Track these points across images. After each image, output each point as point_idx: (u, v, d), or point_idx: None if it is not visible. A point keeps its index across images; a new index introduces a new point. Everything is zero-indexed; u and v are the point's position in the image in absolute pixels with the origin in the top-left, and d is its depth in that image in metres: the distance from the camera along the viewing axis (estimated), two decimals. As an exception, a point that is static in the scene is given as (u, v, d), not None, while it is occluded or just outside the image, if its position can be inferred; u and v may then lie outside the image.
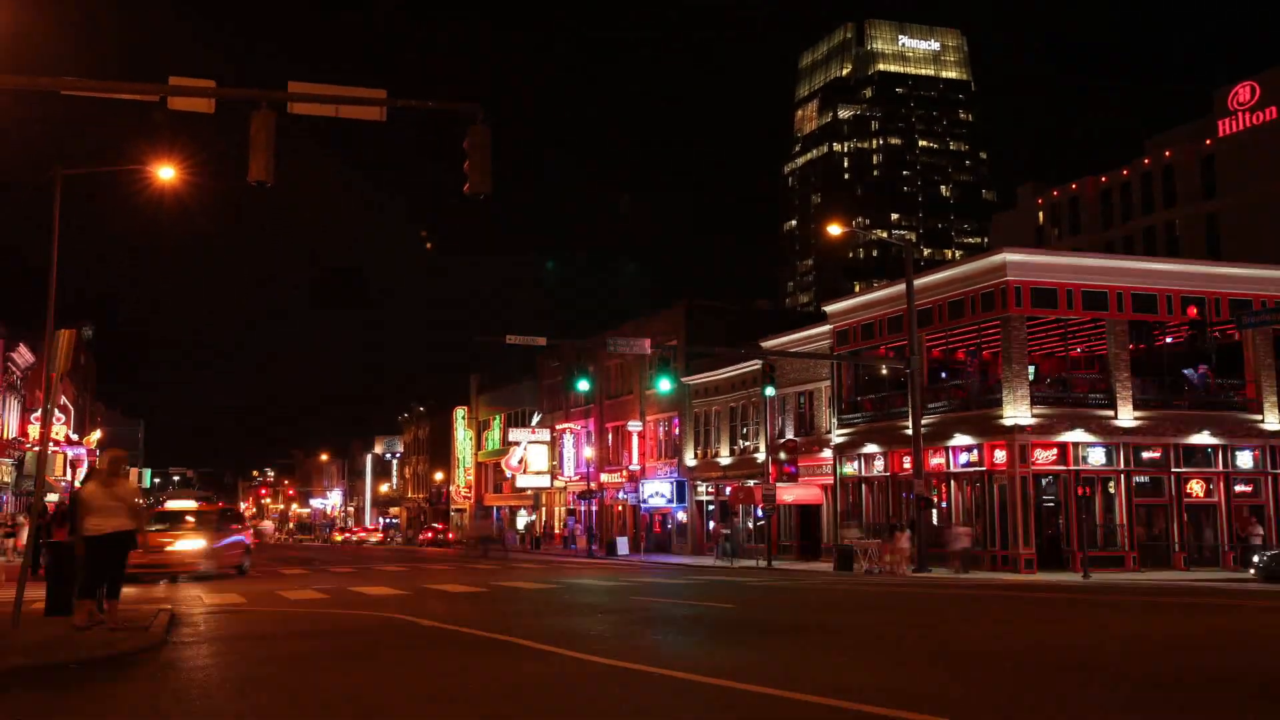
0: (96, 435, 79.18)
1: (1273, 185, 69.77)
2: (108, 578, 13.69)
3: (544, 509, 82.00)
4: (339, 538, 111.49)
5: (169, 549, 28.00)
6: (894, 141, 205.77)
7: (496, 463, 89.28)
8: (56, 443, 59.92)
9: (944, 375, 43.84)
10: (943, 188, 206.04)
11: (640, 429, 65.66)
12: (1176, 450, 38.60)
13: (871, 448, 44.60)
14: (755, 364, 49.91)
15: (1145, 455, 38.45)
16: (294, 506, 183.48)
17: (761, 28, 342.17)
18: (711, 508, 58.51)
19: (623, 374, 68.50)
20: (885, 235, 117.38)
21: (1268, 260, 45.04)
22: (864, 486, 45.53)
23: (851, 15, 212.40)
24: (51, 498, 54.88)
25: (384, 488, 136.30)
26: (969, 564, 34.23)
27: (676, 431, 62.39)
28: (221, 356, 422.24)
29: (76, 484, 57.57)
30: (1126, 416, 37.96)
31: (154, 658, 11.60)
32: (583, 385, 43.29)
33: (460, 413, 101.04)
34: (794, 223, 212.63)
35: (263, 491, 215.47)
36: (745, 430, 55.64)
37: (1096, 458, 37.95)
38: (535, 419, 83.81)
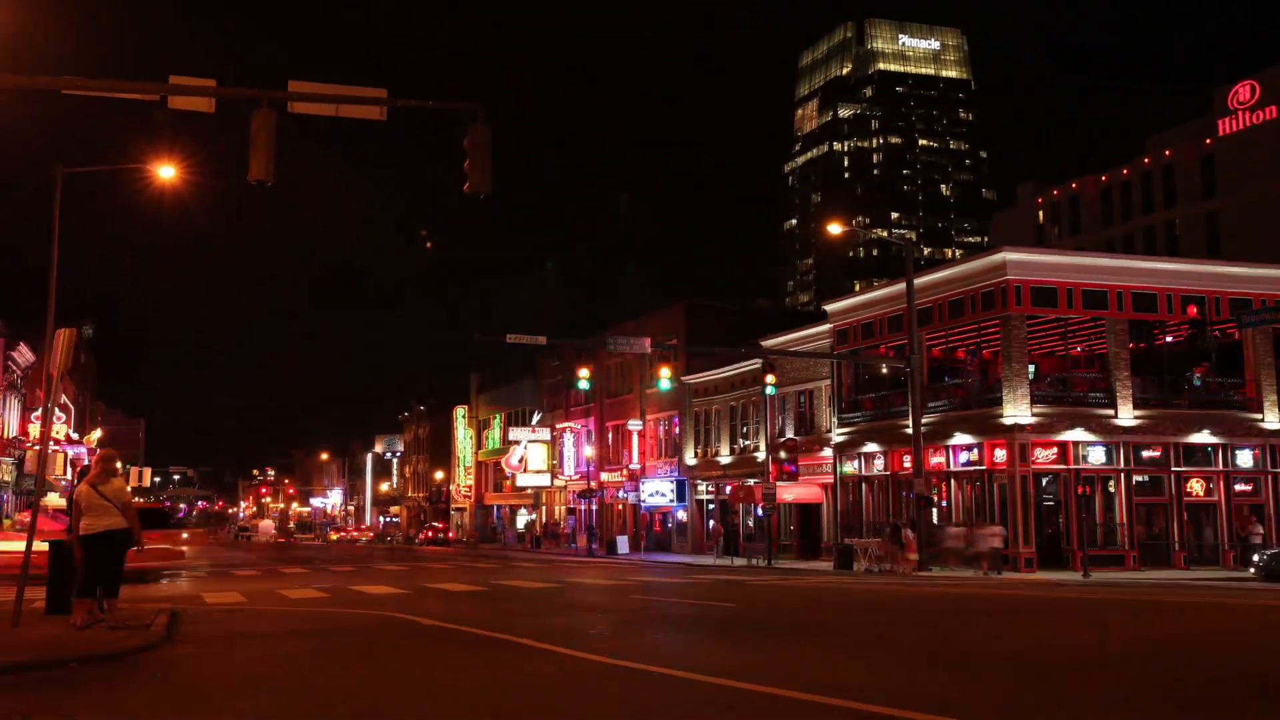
0: (97, 434, 79.15)
1: (1273, 184, 69.75)
2: (104, 577, 13.70)
3: (544, 508, 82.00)
4: (335, 536, 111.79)
5: None
6: (894, 140, 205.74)
7: (497, 462, 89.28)
8: (57, 442, 59.93)
9: (944, 374, 43.83)
10: (943, 187, 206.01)
11: (640, 428, 65.67)
12: (1176, 449, 38.60)
13: (872, 447, 44.60)
14: (755, 363, 49.92)
15: (1145, 454, 38.45)
16: (294, 505, 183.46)
17: (761, 27, 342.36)
18: (712, 507, 58.52)
19: (623, 373, 68.51)
20: (885, 234, 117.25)
21: (1268, 259, 45.03)
22: (864, 485, 45.53)
23: (852, 14, 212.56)
24: (52, 496, 54.88)
25: (384, 487, 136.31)
26: (998, 564, 33.49)
27: (677, 430, 62.40)
28: (222, 356, 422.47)
29: (76, 483, 57.54)
30: (1126, 415, 37.96)
31: (154, 657, 11.61)
32: (583, 384, 43.11)
33: (460, 412, 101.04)
34: (794, 222, 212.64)
35: (263, 490, 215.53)
36: (745, 429, 55.64)
37: (1096, 457, 37.95)
38: (535, 418, 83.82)
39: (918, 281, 38.96)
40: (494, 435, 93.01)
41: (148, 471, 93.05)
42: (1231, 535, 38.39)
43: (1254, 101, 73.37)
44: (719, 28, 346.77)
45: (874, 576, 31.47)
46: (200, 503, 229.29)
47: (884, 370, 44.55)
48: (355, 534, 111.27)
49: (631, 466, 66.10)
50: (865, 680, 8.80)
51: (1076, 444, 37.60)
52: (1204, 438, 38.71)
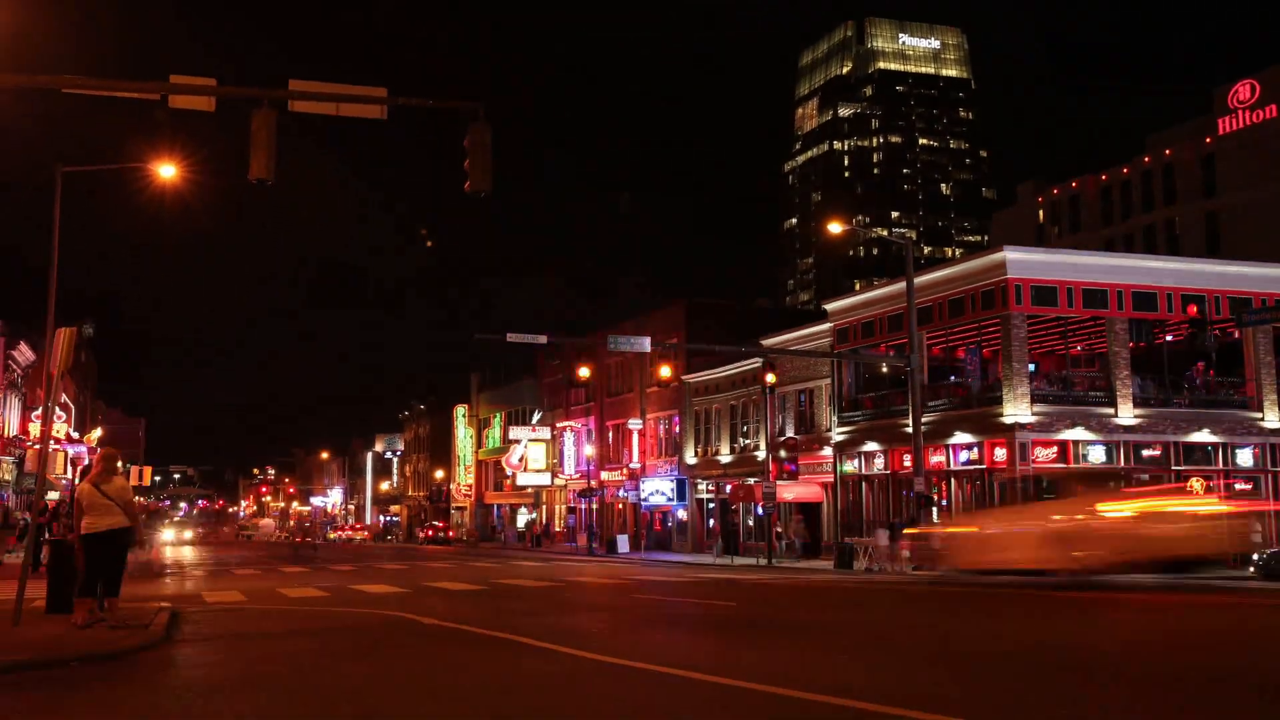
0: (97, 433, 79.17)
1: (1273, 183, 69.75)
2: (106, 576, 13.71)
3: (544, 507, 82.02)
4: (332, 535, 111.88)
5: None
6: (894, 140, 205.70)
7: (497, 461, 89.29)
8: (57, 441, 59.93)
9: (944, 373, 43.84)
10: (943, 186, 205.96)
11: (640, 427, 65.68)
12: (1176, 448, 38.61)
13: (872, 446, 44.61)
14: (755, 362, 49.94)
15: (1145, 453, 38.46)
16: (294, 504, 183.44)
17: (761, 27, 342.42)
18: (712, 506, 58.53)
19: (623, 372, 68.52)
20: (885, 233, 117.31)
21: (1268, 258, 45.02)
22: (864, 484, 45.55)
23: (852, 13, 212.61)
24: (53, 495, 54.90)
25: (385, 485, 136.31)
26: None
27: (677, 429, 62.41)
28: (222, 355, 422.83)
29: (77, 482, 57.58)
30: (1127, 414, 37.97)
31: (155, 656, 11.62)
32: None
33: (461, 411, 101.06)
34: (794, 221, 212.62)
35: (263, 489, 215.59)
36: (745, 428, 55.66)
37: (1097, 456, 37.95)
38: (536, 417, 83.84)
39: (918, 280, 38.98)
40: (494, 434, 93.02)
41: (148, 470, 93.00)
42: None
43: (1254, 100, 73.36)
44: (719, 28, 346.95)
45: (874, 575, 31.46)
46: (201, 501, 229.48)
47: (884, 369, 44.56)
48: (350, 532, 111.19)
49: (632, 465, 66.11)
50: (867, 678, 8.81)
51: (1077, 443, 37.60)
52: (1204, 436, 38.73)
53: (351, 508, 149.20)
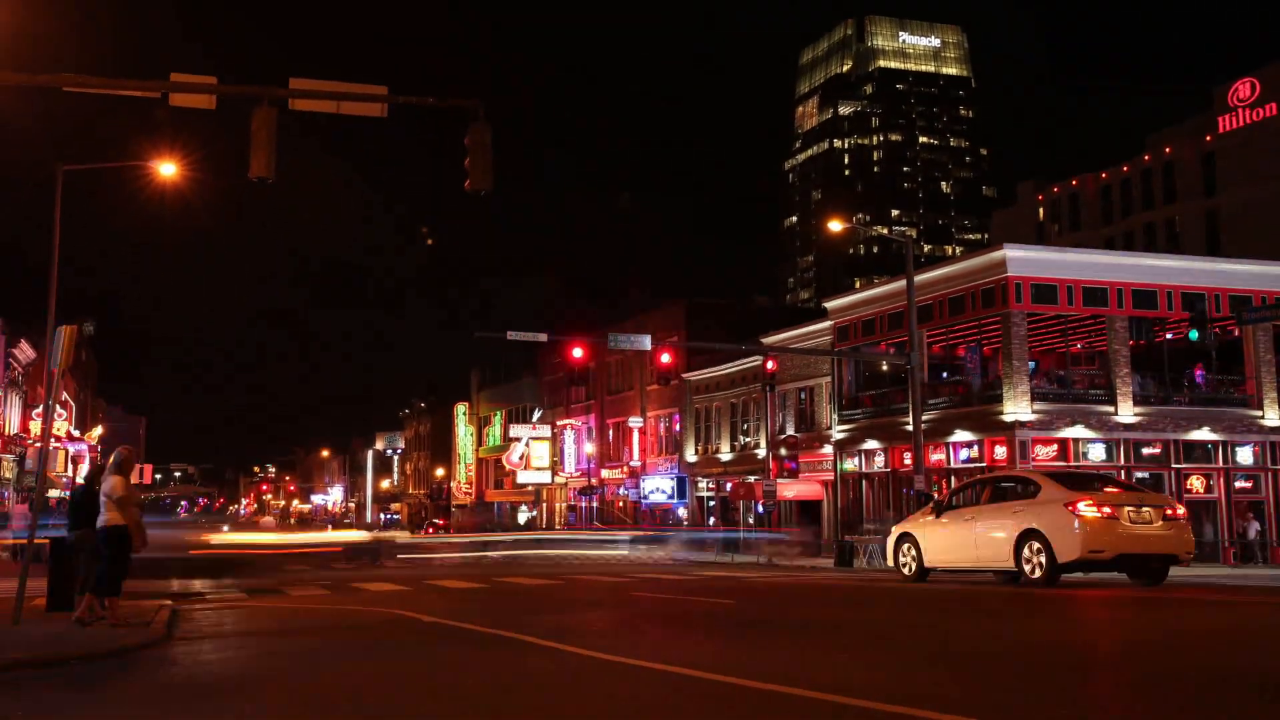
0: (98, 431, 79.25)
1: (1273, 182, 69.73)
2: (107, 573, 13.73)
3: (545, 505, 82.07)
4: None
5: None
6: (894, 138, 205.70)
7: (498, 459, 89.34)
8: (58, 439, 59.98)
9: (945, 372, 43.89)
10: (943, 184, 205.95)
11: (641, 425, 65.73)
12: (1177, 446, 38.64)
13: (872, 444, 44.63)
14: (756, 360, 49.98)
15: (1145, 451, 38.50)
16: (295, 502, 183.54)
17: (761, 27, 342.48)
18: (712, 504, 58.56)
19: (623, 370, 68.55)
20: (886, 231, 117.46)
21: (1268, 256, 45.05)
22: (864, 482, 45.58)
23: (852, 12, 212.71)
24: (53, 494, 54.94)
25: (385, 484, 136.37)
26: None
27: (677, 427, 62.44)
28: (223, 353, 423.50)
29: (79, 480, 57.59)
30: (1127, 412, 37.99)
31: (156, 653, 11.63)
32: (577, 351, 42.75)
33: (461, 409, 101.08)
34: (794, 219, 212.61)
35: (264, 487, 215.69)
36: (746, 426, 55.68)
37: (1097, 454, 37.98)
38: (536, 415, 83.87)
39: (918, 278, 39.01)
40: (495, 432, 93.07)
41: (149, 469, 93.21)
42: (1232, 532, 38.43)
43: (1254, 99, 73.36)
44: (719, 28, 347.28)
45: (875, 573, 31.45)
46: (201, 499, 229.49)
47: (884, 367, 44.59)
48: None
49: (632, 463, 66.17)
50: (868, 677, 8.82)
51: (1077, 441, 37.63)
52: (1204, 435, 38.75)
53: (352, 505, 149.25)
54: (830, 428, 47.60)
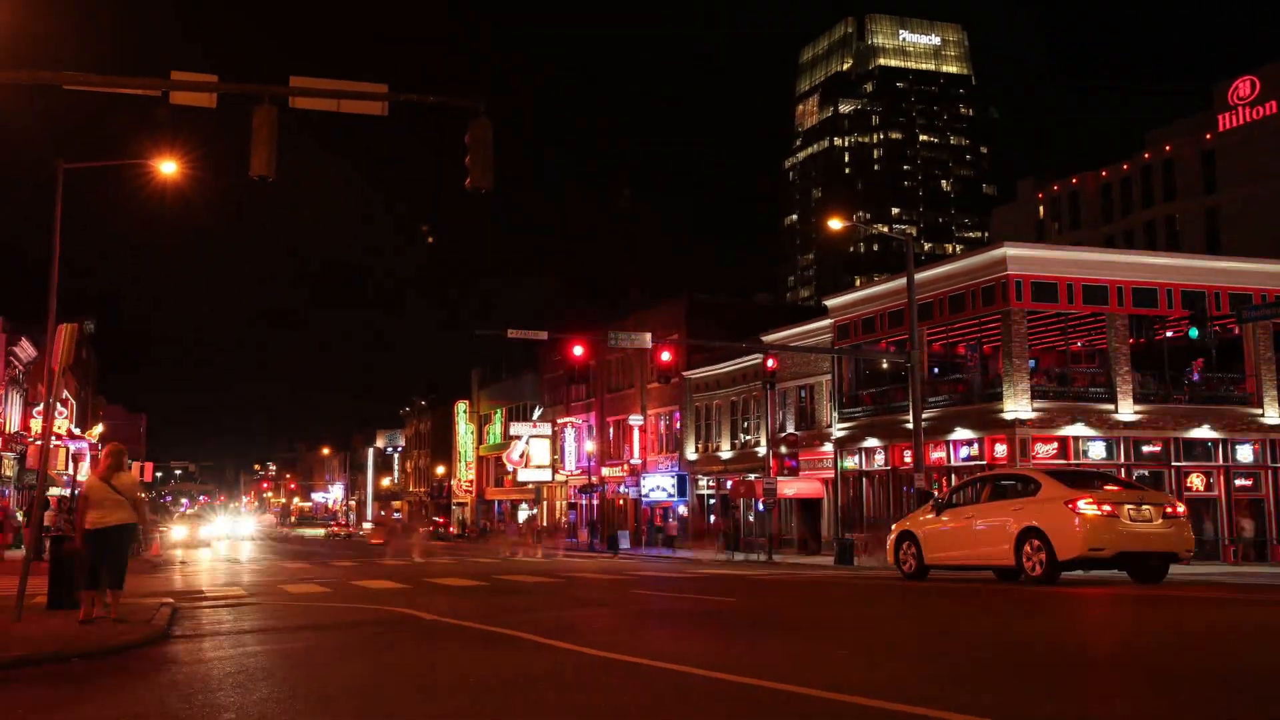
0: (99, 429, 79.24)
1: (1273, 180, 69.74)
2: (110, 571, 13.74)
3: (545, 503, 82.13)
4: (323, 532, 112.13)
5: None
6: (895, 136, 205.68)
7: (498, 457, 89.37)
8: (59, 437, 59.97)
9: (945, 369, 43.90)
10: (943, 182, 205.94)
11: (641, 423, 65.74)
12: (1176, 444, 38.66)
13: (872, 441, 44.65)
14: (756, 358, 49.99)
15: (1145, 449, 38.52)
16: (295, 500, 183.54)
17: (762, 27, 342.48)
18: (713, 501, 58.59)
19: (623, 368, 68.57)
20: (886, 229, 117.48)
21: (1268, 254, 45.07)
22: (865, 480, 45.60)
23: (852, 10, 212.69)
24: (54, 491, 54.97)
25: (386, 481, 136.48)
26: None
27: (677, 425, 62.47)
28: (223, 352, 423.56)
29: (79, 478, 57.66)
30: (1127, 410, 38.01)
31: (156, 651, 11.65)
32: (578, 349, 42.66)
33: (462, 407, 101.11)
34: (794, 217, 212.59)
35: (264, 485, 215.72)
36: (746, 424, 55.70)
37: (1097, 452, 38.00)
38: (536, 413, 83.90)
39: (918, 276, 39.05)
40: (495, 430, 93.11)
41: (149, 466, 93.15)
42: (1232, 530, 38.46)
43: (1254, 97, 73.37)
44: (719, 28, 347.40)
45: (875, 571, 31.48)
46: (202, 497, 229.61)
47: (884, 365, 44.62)
48: (337, 528, 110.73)
49: (632, 461, 66.19)
50: (868, 675, 8.84)
51: (1077, 439, 37.66)
52: (1204, 433, 38.78)
53: (353, 503, 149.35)
54: (830, 426, 47.62)
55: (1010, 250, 38.78)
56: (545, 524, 78.57)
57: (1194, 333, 37.38)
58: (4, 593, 16.42)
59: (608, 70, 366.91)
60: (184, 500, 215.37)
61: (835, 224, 66.52)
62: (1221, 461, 39.17)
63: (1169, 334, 40.46)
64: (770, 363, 43.99)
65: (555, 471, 78.03)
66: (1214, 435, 39.02)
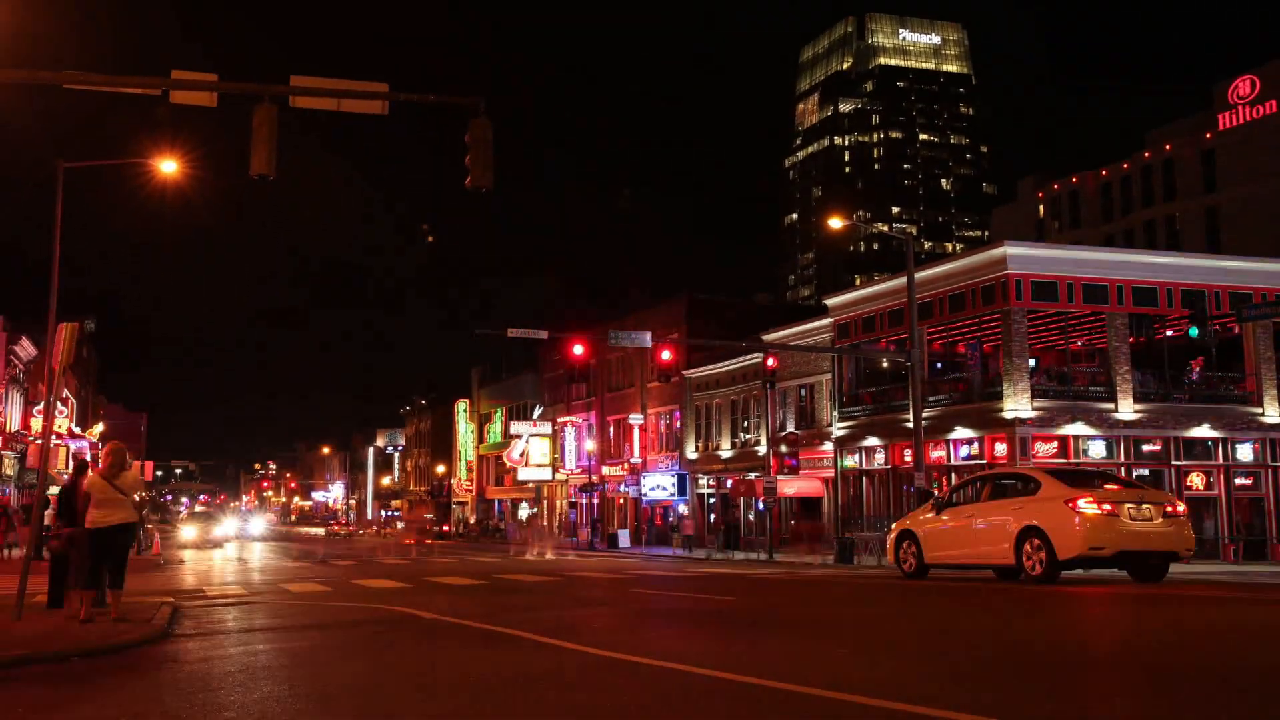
0: (99, 428, 79.28)
1: (1273, 179, 69.73)
2: (112, 570, 13.75)
3: (546, 502, 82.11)
4: (322, 531, 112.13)
5: None
6: (895, 135, 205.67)
7: (498, 456, 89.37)
8: (59, 435, 60.01)
9: (945, 369, 43.92)
10: (943, 181, 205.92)
11: (641, 422, 65.74)
12: (1177, 443, 38.66)
13: (872, 440, 44.66)
14: (756, 357, 49.99)
15: (1145, 448, 38.52)
16: (295, 499, 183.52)
17: (762, 27, 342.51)
18: (713, 500, 58.59)
19: (624, 367, 68.56)
20: (886, 228, 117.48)
21: (1268, 253, 45.08)
22: (865, 479, 45.60)
23: (853, 9, 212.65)
24: (54, 490, 54.98)
25: (386, 480, 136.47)
26: None
27: (678, 424, 62.47)
28: (224, 351, 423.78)
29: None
30: (1127, 409, 38.01)
31: (157, 650, 11.65)
32: (578, 348, 42.55)
33: (462, 406, 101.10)
34: (794, 216, 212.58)
35: (265, 484, 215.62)
36: (746, 423, 55.70)
37: (1097, 450, 38.01)
38: (537, 412, 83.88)
39: (918, 276, 39.04)
40: (495, 429, 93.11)
41: (149, 465, 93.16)
42: (1232, 529, 38.46)
43: (1254, 96, 73.36)
44: (719, 28, 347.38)
45: (875, 570, 31.48)
46: (202, 496, 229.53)
47: (884, 364, 44.63)
48: (338, 528, 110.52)
49: (633, 460, 66.19)
50: (868, 674, 8.84)
51: (1077, 438, 37.67)
52: (1204, 432, 38.78)
53: (353, 502, 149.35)
54: (831, 425, 47.62)
55: (1010, 249, 38.77)
56: (546, 523, 78.65)
57: (1194, 332, 37.42)
58: (5, 591, 16.43)
59: (608, 70, 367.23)
60: (184, 499, 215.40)
61: (835, 223, 66.60)
62: (1221, 460, 39.17)
63: (1169, 333, 40.46)
64: (770, 362, 43.98)
65: (555, 470, 78.03)
66: (1214, 434, 39.02)
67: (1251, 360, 39.95)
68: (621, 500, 69.00)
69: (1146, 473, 38.24)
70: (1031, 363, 39.50)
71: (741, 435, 56.10)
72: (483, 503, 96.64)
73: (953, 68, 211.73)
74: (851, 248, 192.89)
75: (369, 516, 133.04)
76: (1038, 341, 42.53)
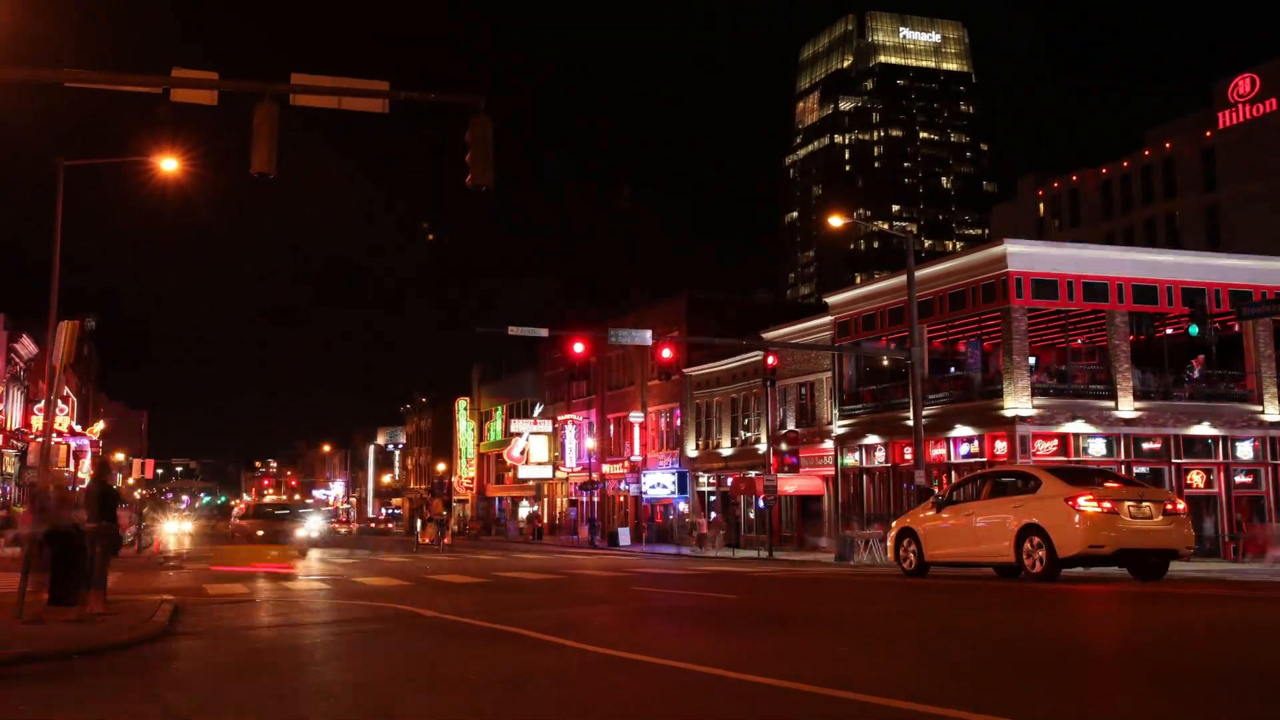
0: (100, 426, 79.31)
1: (1273, 177, 69.71)
2: (106, 568, 13.86)
3: (546, 500, 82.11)
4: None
5: None
6: (895, 133, 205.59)
7: (498, 454, 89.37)
8: (60, 433, 59.98)
9: (945, 366, 43.94)
10: (944, 179, 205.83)
11: (642, 420, 65.74)
12: (1177, 441, 38.66)
13: (873, 439, 44.66)
14: (756, 355, 49.97)
15: (1145, 446, 38.53)
16: (296, 497, 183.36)
17: (762, 27, 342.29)
18: (713, 498, 58.60)
19: (624, 365, 68.55)
20: (886, 227, 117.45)
21: (1268, 251, 45.06)
22: (865, 477, 45.61)
23: (853, 7, 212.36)
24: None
25: (386, 478, 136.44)
26: None
27: (678, 422, 62.47)
28: (224, 349, 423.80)
29: (80, 475, 57.69)
30: (1127, 407, 38.02)
31: (158, 648, 11.67)
32: (578, 347, 42.37)
33: (462, 404, 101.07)
34: (795, 214, 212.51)
35: (265, 482, 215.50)
36: (747, 421, 55.70)
37: (1097, 448, 38.01)
38: (537, 410, 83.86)
39: (919, 274, 39.02)
40: (496, 427, 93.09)
41: (150, 463, 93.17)
42: (1232, 527, 38.47)
43: (1254, 94, 73.32)
44: (719, 28, 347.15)
45: (875, 568, 31.50)
46: (203, 494, 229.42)
47: (885, 362, 44.63)
48: (338, 526, 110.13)
49: (633, 458, 66.18)
50: (868, 672, 8.86)
51: (1077, 436, 37.67)
52: (1204, 430, 38.78)
53: (354, 500, 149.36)
54: (831, 423, 47.63)
55: (1011, 247, 38.77)
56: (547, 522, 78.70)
57: (1194, 330, 37.34)
58: (4, 590, 16.45)
59: (608, 70, 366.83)
60: (185, 497, 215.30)
61: (835, 221, 66.75)
62: (1221, 458, 39.18)
63: (1169, 331, 40.46)
64: (771, 360, 43.96)
65: (556, 468, 78.03)
66: (1214, 432, 39.02)
67: (1251, 358, 39.95)
68: (622, 498, 69.02)
69: (1146, 471, 38.25)
70: (1032, 361, 39.50)
71: (742, 433, 56.11)
72: (483, 500, 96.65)
73: (953, 66, 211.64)
74: (852, 246, 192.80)
75: (369, 514, 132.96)
76: (1038, 339, 42.52)
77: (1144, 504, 18.80)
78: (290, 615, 15.59)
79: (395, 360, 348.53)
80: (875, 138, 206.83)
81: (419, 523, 60.26)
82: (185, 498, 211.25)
